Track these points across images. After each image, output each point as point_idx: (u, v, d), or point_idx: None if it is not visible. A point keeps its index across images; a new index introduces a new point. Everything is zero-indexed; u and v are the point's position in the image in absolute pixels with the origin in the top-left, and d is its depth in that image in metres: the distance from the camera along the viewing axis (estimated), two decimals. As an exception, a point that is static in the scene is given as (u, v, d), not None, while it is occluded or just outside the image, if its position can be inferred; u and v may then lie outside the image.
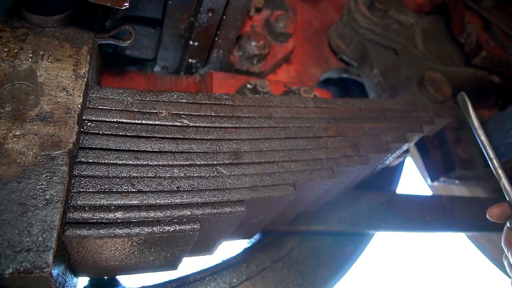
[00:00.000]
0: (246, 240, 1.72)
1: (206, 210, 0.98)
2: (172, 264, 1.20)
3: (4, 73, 0.99)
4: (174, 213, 0.95)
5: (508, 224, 1.26)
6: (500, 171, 1.28)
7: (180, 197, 0.98)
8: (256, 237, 1.70)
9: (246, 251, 1.66)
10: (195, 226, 0.96)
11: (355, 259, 1.81)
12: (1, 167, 0.86)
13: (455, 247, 3.79)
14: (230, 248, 1.70)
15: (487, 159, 1.34)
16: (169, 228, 0.94)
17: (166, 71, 1.75)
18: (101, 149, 0.99)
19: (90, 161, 0.97)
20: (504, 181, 1.27)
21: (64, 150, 0.91)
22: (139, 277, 1.49)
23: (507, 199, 1.26)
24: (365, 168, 1.30)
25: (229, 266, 1.56)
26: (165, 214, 0.95)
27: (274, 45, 1.84)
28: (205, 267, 1.56)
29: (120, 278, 1.49)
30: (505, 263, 1.27)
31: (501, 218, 1.28)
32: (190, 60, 1.65)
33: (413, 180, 2.91)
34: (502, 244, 1.26)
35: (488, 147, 1.33)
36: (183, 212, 0.96)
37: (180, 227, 0.95)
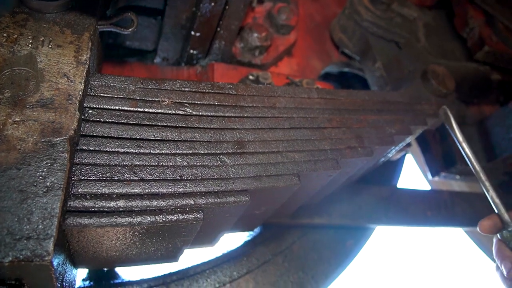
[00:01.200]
0: (247, 233, 1.70)
1: (210, 200, 0.96)
2: (173, 255, 1.18)
3: (3, 58, 0.97)
4: (177, 202, 0.93)
5: (498, 236, 1.24)
6: (487, 184, 1.27)
7: (183, 186, 0.96)
8: (257, 230, 1.68)
9: (247, 244, 1.64)
10: (198, 216, 0.95)
11: (356, 253, 1.79)
12: (0, 154, 0.84)
13: (454, 243, 3.79)
14: (231, 241, 1.68)
15: (473, 172, 1.32)
16: (172, 217, 0.92)
17: (166, 63, 1.73)
18: (102, 136, 0.97)
19: (91, 149, 0.95)
20: (492, 193, 1.26)
21: (65, 136, 0.89)
22: (139, 270, 1.47)
23: (496, 211, 1.25)
24: (369, 160, 1.28)
25: (229, 259, 1.55)
26: (167, 203, 0.93)
27: (276, 37, 1.82)
28: (206, 260, 1.54)
29: (119, 270, 1.47)
30: (498, 274, 1.26)
31: (492, 231, 1.27)
32: (191, 51, 1.63)
33: (412, 176, 2.90)
34: (495, 257, 1.24)
35: (473, 160, 1.31)
36: (186, 201, 0.94)
37: (183, 217, 0.93)
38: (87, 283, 1.39)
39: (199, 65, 1.69)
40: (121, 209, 0.89)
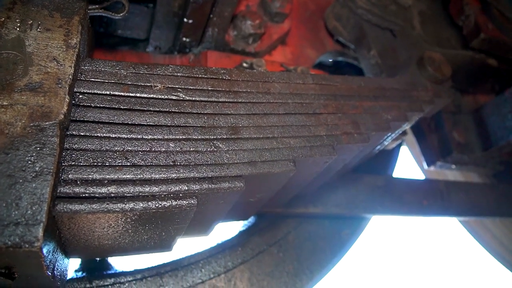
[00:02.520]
0: (241, 223, 1.68)
1: (204, 185, 0.94)
2: (167, 244, 1.16)
3: (-10, 42, 0.94)
4: (170, 188, 0.91)
5: None
6: None
7: (176, 171, 0.94)
8: (251, 220, 1.67)
9: (242, 234, 1.62)
10: (192, 202, 0.92)
11: (351, 243, 1.78)
12: (-13, 138, 0.82)
13: (450, 234, 3.80)
14: (225, 231, 1.66)
15: None
16: (164, 203, 0.90)
17: (159, 51, 1.70)
18: (93, 122, 0.95)
19: (82, 134, 0.93)
20: None
21: (55, 121, 0.87)
22: (132, 260, 1.45)
23: None
24: (365, 147, 1.27)
25: (224, 249, 1.53)
26: (160, 189, 0.91)
27: (269, 26, 1.79)
28: (200, 250, 1.52)
29: (112, 261, 1.44)
30: None
31: None
32: (184, 39, 1.60)
33: (407, 166, 2.89)
34: None
35: None
36: (180, 187, 0.92)
37: (176, 203, 0.91)
38: (79, 274, 1.36)
39: (191, 53, 1.67)
40: (112, 195, 0.87)
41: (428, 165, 2.06)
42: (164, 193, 0.91)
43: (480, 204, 2.17)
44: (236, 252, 1.53)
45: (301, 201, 1.62)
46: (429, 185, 2.05)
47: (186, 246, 1.45)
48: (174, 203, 0.91)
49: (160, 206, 0.90)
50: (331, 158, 1.14)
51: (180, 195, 0.92)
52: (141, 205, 0.88)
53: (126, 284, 1.35)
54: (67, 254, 1.06)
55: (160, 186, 0.91)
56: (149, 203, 0.89)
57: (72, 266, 1.37)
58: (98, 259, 1.44)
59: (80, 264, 1.41)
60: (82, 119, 0.94)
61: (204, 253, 1.50)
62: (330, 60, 2.15)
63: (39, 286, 0.99)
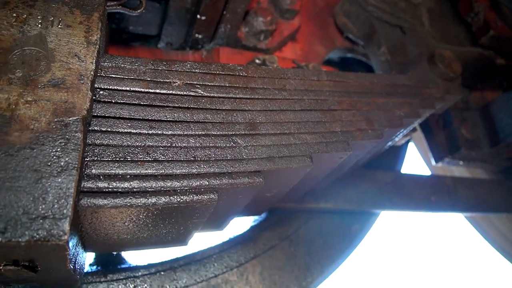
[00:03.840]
0: (253, 218, 1.69)
1: (224, 180, 0.96)
2: (183, 239, 1.17)
3: (13, 38, 0.95)
4: (191, 183, 0.93)
5: None
6: None
7: (196, 166, 0.95)
8: (263, 215, 1.68)
9: (253, 229, 1.64)
10: (213, 196, 0.94)
11: (361, 238, 1.79)
12: (13, 134, 0.83)
13: (455, 229, 3.81)
14: (237, 226, 1.68)
15: None
16: (186, 198, 0.91)
17: (170, 47, 1.71)
18: (114, 117, 0.96)
19: (104, 129, 0.94)
20: None
21: (78, 116, 0.88)
22: (146, 255, 1.47)
23: None
24: (378, 143, 1.28)
25: (236, 244, 1.54)
26: (182, 183, 0.92)
27: (280, 22, 1.80)
28: (212, 245, 1.53)
29: (126, 255, 1.46)
30: None
31: None
32: (196, 35, 1.61)
33: (414, 163, 2.90)
34: None
35: None
36: (201, 182, 0.93)
37: (197, 197, 0.92)
38: (94, 268, 1.38)
39: (204, 50, 1.68)
40: (135, 190, 0.88)
41: (436, 161, 2.07)
42: (186, 188, 0.92)
43: (487, 200, 2.18)
44: (248, 246, 1.54)
45: (312, 196, 1.64)
46: (437, 181, 2.06)
47: (199, 240, 1.47)
48: (195, 197, 0.92)
49: (181, 200, 0.91)
50: (346, 154, 1.16)
51: (201, 190, 0.94)
52: (163, 199, 0.90)
53: (140, 278, 1.37)
54: (85, 248, 1.08)
55: (181, 181, 0.92)
56: (171, 197, 0.90)
57: (87, 260, 1.39)
58: (112, 253, 1.45)
59: (95, 258, 1.43)
60: (103, 114, 0.95)
61: (217, 247, 1.52)
62: (338, 57, 2.16)
63: (60, 278, 1.01)
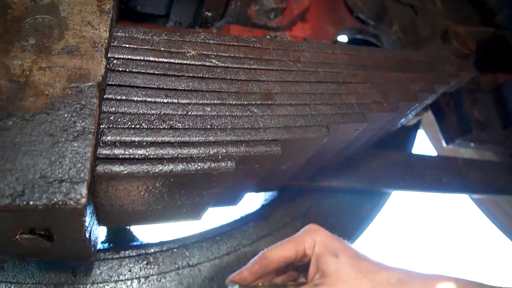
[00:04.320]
0: (264, 198, 1.68)
1: (241, 148, 0.94)
2: (197, 213, 1.16)
3: (25, 6, 0.94)
4: (208, 151, 0.91)
5: None
6: None
7: (213, 134, 0.94)
8: (274, 194, 1.67)
9: (265, 207, 1.62)
10: (230, 164, 0.92)
11: (372, 218, 1.78)
12: (28, 99, 0.82)
13: (462, 211, 3.82)
14: (248, 205, 1.67)
15: None
16: (203, 165, 0.90)
17: (179, 26, 1.69)
18: (129, 86, 0.94)
19: (118, 98, 0.92)
20: None
21: (93, 82, 0.86)
22: (157, 233, 1.46)
23: None
24: (392, 117, 1.27)
25: (248, 222, 1.53)
26: (199, 151, 0.91)
27: (290, 1, 1.78)
28: (224, 223, 1.52)
29: (138, 233, 1.45)
30: None
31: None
32: (206, 13, 1.59)
33: (422, 145, 2.89)
34: None
35: None
36: (218, 150, 0.92)
37: (215, 165, 0.91)
38: (106, 245, 1.37)
39: (213, 27, 1.66)
40: (152, 157, 0.87)
41: (447, 143, 2.06)
42: (203, 155, 0.91)
43: (498, 182, 2.16)
44: (260, 225, 1.53)
45: (324, 175, 1.62)
46: (449, 162, 2.04)
47: (210, 219, 1.46)
48: (213, 165, 0.91)
49: (199, 168, 0.90)
50: (362, 126, 1.14)
51: (219, 157, 0.92)
52: (180, 167, 0.88)
53: (153, 255, 1.36)
54: (99, 221, 1.07)
55: (198, 149, 0.91)
56: (188, 165, 0.89)
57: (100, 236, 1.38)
58: (123, 231, 1.44)
59: (106, 236, 1.42)
60: (117, 83, 0.94)
61: (228, 225, 1.51)
62: (348, 38, 2.14)
63: (75, 251, 1.00)
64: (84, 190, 0.75)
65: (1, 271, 1.18)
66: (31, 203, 0.73)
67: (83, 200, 0.75)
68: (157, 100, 0.94)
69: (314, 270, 1.11)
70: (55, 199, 0.74)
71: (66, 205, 0.74)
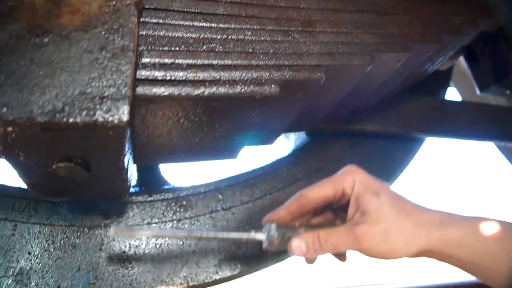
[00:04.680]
0: (295, 143, 1.65)
1: (285, 73, 0.90)
2: (234, 150, 1.13)
3: None
4: (251, 74, 0.87)
5: None
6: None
7: (256, 58, 0.89)
8: (305, 139, 1.63)
9: (296, 152, 1.58)
10: (274, 88, 0.89)
11: (406, 165, 1.73)
12: (64, 16, 0.78)
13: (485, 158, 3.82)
14: (280, 149, 1.63)
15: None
16: (246, 88, 0.86)
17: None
18: (166, 9, 0.90)
19: (155, 21, 0.88)
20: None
21: (130, 1, 0.82)
22: (189, 178, 1.44)
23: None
24: (433, 52, 1.21)
25: (281, 166, 1.49)
26: (242, 74, 0.87)
27: None
28: (256, 167, 1.49)
29: (170, 178, 1.43)
30: None
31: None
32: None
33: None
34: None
35: None
36: (261, 73, 0.88)
37: (258, 88, 0.87)
38: (138, 189, 1.35)
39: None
40: (193, 79, 0.83)
41: (481, 90, 1.99)
42: (246, 78, 0.87)
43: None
44: (292, 169, 1.49)
45: (357, 118, 1.57)
46: (484, 109, 1.98)
47: (242, 162, 1.43)
48: (256, 89, 0.87)
49: (242, 91, 0.86)
50: (404, 56, 1.09)
51: (262, 81, 0.88)
52: (222, 89, 0.84)
53: (186, 198, 1.33)
54: (134, 159, 1.04)
55: (241, 72, 0.87)
56: (231, 88, 0.85)
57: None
58: (155, 174, 1.42)
59: (138, 180, 1.39)
60: (154, 7, 0.90)
61: (261, 169, 1.47)
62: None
63: (111, 186, 0.98)
64: (126, 107, 0.72)
65: (35, 213, 1.16)
66: (71, 120, 0.69)
67: (125, 118, 0.71)
68: (195, 24, 0.90)
69: (354, 209, 1.08)
70: (96, 116, 0.70)
71: (108, 122, 0.71)
